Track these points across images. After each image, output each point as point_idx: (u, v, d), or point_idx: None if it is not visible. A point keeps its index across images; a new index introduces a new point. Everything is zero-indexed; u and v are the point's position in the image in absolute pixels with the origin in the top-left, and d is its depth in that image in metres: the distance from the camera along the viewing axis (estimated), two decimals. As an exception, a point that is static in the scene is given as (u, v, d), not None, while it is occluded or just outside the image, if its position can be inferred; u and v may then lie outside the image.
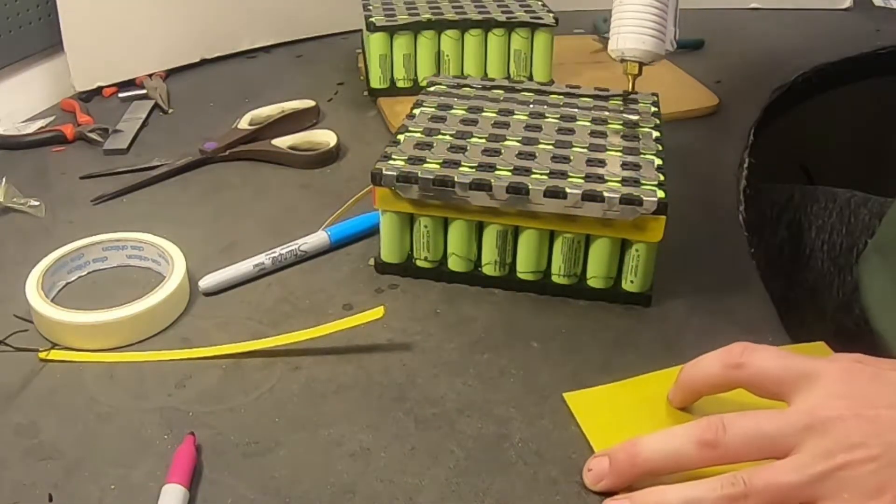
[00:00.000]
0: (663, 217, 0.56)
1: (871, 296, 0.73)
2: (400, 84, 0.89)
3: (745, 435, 0.41)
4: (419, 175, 0.58)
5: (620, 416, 0.51)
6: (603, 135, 0.65)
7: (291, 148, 0.81)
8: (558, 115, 0.68)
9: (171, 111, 0.92)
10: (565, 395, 0.52)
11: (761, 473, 0.40)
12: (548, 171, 0.59)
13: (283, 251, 0.64)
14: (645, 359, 0.56)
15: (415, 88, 0.87)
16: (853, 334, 0.74)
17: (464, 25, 0.87)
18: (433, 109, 0.69)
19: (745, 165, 0.80)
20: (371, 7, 0.90)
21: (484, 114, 0.68)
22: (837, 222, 0.88)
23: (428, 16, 0.87)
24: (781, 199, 0.92)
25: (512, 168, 0.59)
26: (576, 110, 0.69)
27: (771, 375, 0.44)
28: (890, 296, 0.69)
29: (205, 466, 0.48)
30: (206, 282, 0.62)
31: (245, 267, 0.63)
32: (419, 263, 0.63)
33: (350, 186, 0.67)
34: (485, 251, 0.61)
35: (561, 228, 0.59)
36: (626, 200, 0.56)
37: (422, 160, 0.60)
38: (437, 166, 0.60)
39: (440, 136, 0.64)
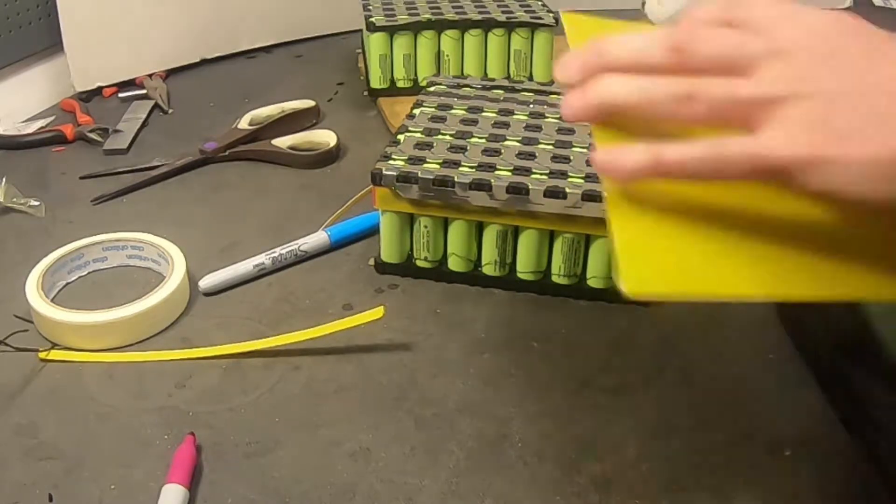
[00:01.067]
0: (663, 217, 0.56)
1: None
2: (400, 84, 0.89)
3: (712, 46, 0.39)
4: (419, 175, 0.58)
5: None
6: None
7: (291, 148, 0.81)
8: (558, 115, 0.68)
9: (171, 111, 0.92)
10: (563, 13, 0.48)
11: (716, 81, 0.38)
12: (548, 171, 0.59)
13: (283, 251, 0.64)
14: (645, 359, 0.56)
15: (415, 88, 0.87)
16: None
17: (464, 25, 0.87)
18: (433, 109, 0.69)
19: None
20: (371, 7, 0.90)
21: (484, 114, 0.68)
22: None
23: (428, 16, 0.87)
24: None
25: (512, 168, 0.59)
26: (576, 110, 0.69)
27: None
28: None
29: (205, 466, 0.48)
30: (206, 282, 0.62)
31: (245, 267, 0.63)
32: (419, 263, 0.63)
33: (350, 186, 0.67)
34: (485, 251, 0.61)
35: (561, 228, 0.59)
36: (626, 200, 0.56)
37: (422, 160, 0.60)
38: (437, 166, 0.60)
39: (440, 136, 0.64)
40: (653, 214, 0.43)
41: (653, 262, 0.41)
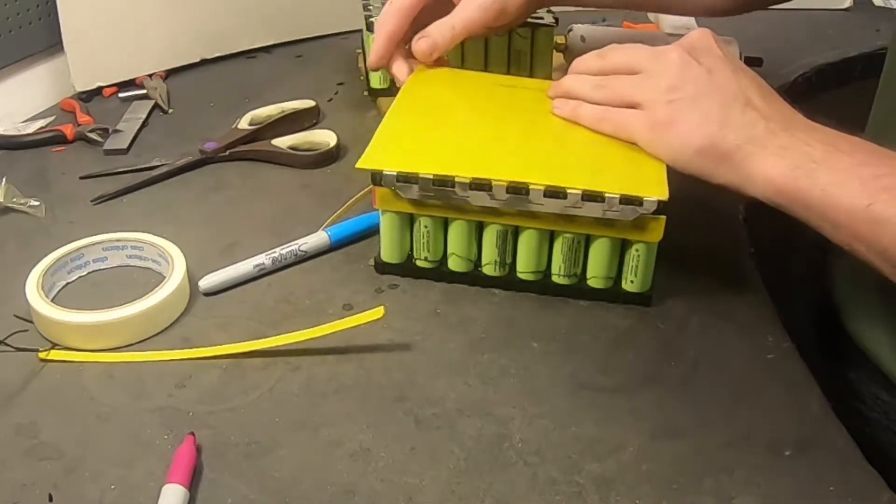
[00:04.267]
0: (663, 217, 0.56)
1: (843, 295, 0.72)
2: (400, 84, 0.89)
3: (619, 62, 0.61)
4: (419, 175, 0.58)
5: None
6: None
7: (291, 148, 0.81)
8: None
9: (171, 111, 0.92)
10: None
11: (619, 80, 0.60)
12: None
13: (283, 251, 0.64)
14: (645, 359, 0.56)
15: (415, 88, 0.87)
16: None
17: (464, 25, 0.86)
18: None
19: None
20: (371, 7, 0.90)
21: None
22: None
23: (428, 16, 0.86)
24: None
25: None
26: (576, 110, 0.69)
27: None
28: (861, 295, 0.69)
29: (205, 466, 0.48)
30: (206, 282, 0.62)
31: (245, 267, 0.63)
32: (419, 263, 0.63)
33: (350, 186, 0.67)
34: (485, 251, 0.61)
35: (561, 228, 0.59)
36: (626, 200, 0.56)
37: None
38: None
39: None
40: (421, 114, 0.64)
41: (391, 147, 0.59)
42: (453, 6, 0.68)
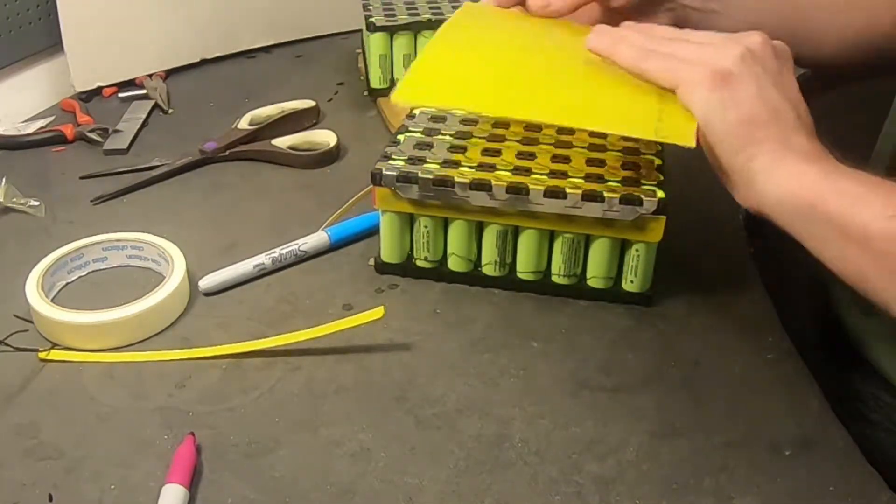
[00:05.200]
0: (663, 217, 0.56)
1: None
2: (400, 84, 0.89)
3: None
4: (419, 175, 0.58)
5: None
6: (603, 135, 0.65)
7: (291, 148, 0.81)
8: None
9: (171, 111, 0.92)
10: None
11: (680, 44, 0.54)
12: (548, 171, 0.59)
13: (283, 251, 0.64)
14: (645, 359, 0.56)
15: (415, 88, 0.87)
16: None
17: (464, 25, 0.86)
18: (433, 109, 0.68)
19: None
20: (371, 7, 0.90)
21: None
22: None
23: (428, 16, 0.87)
24: None
25: (512, 168, 0.59)
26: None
27: None
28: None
29: (205, 466, 0.48)
30: (206, 282, 0.62)
31: (245, 267, 0.63)
32: (419, 263, 0.63)
33: (350, 186, 0.67)
34: (485, 251, 0.61)
35: (561, 228, 0.59)
36: (626, 200, 0.56)
37: (422, 160, 0.60)
38: (437, 166, 0.60)
39: (440, 136, 0.64)
40: (467, 47, 0.59)
41: (430, 81, 0.55)
42: None
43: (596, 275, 0.60)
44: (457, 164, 0.60)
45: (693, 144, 0.50)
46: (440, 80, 0.56)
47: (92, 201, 0.74)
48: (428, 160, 0.60)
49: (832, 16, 0.67)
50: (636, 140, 0.64)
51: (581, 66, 0.56)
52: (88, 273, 0.64)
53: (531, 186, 0.57)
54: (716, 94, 0.50)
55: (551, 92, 0.55)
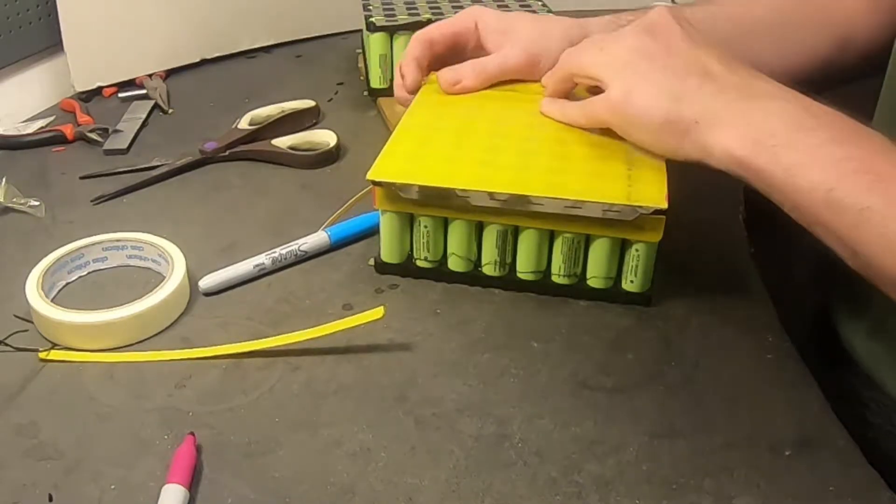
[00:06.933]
0: (663, 217, 0.56)
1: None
2: (400, 84, 0.89)
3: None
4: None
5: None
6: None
7: (291, 148, 0.81)
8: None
9: (171, 111, 0.92)
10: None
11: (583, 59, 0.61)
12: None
13: (283, 251, 0.64)
14: (645, 359, 0.56)
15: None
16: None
17: (464, 25, 0.86)
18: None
19: None
20: (371, 7, 0.90)
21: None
22: None
23: (428, 16, 0.87)
24: None
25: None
26: (576, 110, 0.69)
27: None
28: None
29: (205, 466, 0.48)
30: (206, 282, 0.62)
31: (245, 267, 0.63)
32: (419, 263, 0.63)
33: (350, 186, 0.67)
34: (485, 251, 0.61)
35: (561, 228, 0.59)
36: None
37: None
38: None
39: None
40: (430, 130, 0.65)
41: (400, 160, 0.61)
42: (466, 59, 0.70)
43: (596, 275, 0.60)
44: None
45: (665, 206, 0.55)
46: (411, 160, 0.61)
47: (92, 201, 0.74)
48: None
49: (773, 44, 0.69)
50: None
51: (547, 133, 0.63)
52: (88, 273, 0.64)
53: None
54: (625, 117, 0.56)
55: (524, 165, 0.60)
